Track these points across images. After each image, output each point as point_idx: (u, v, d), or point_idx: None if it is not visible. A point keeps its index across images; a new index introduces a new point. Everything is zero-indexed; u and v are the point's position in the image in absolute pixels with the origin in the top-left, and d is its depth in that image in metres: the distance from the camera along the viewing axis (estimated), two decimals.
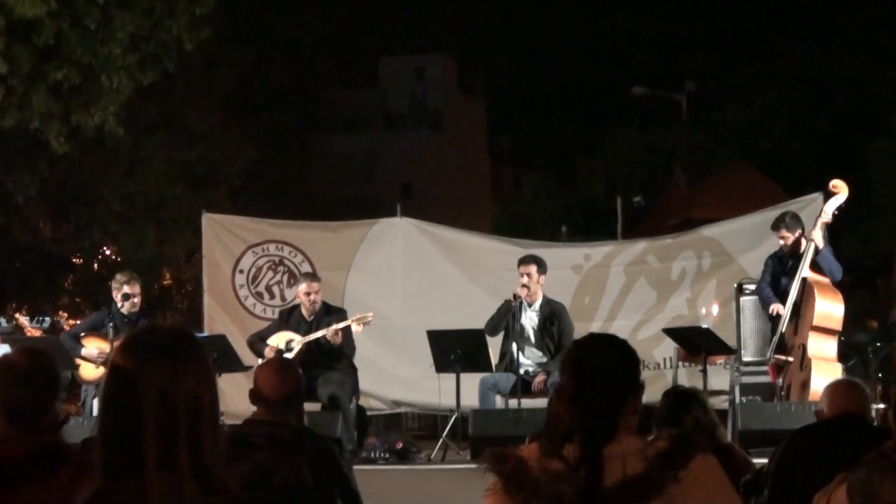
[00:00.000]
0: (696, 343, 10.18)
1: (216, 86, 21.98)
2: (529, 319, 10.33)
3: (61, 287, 21.12)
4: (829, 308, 9.37)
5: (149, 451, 2.30)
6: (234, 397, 8.76)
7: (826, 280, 9.49)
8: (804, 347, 9.32)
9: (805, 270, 9.47)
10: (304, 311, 10.30)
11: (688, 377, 11.07)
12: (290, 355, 9.69)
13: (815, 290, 9.34)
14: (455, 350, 10.07)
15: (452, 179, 44.90)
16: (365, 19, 30.43)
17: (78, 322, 15.27)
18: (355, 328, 10.11)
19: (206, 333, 11.63)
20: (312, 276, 10.76)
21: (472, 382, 10.15)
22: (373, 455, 9.67)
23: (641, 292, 12.34)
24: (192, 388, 2.37)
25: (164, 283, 22.39)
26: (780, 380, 9.50)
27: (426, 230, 12.97)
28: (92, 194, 19.20)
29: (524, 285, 10.22)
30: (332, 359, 10.06)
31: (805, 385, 9.16)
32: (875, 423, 5.36)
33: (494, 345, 10.29)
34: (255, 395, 4.69)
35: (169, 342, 2.41)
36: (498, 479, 2.83)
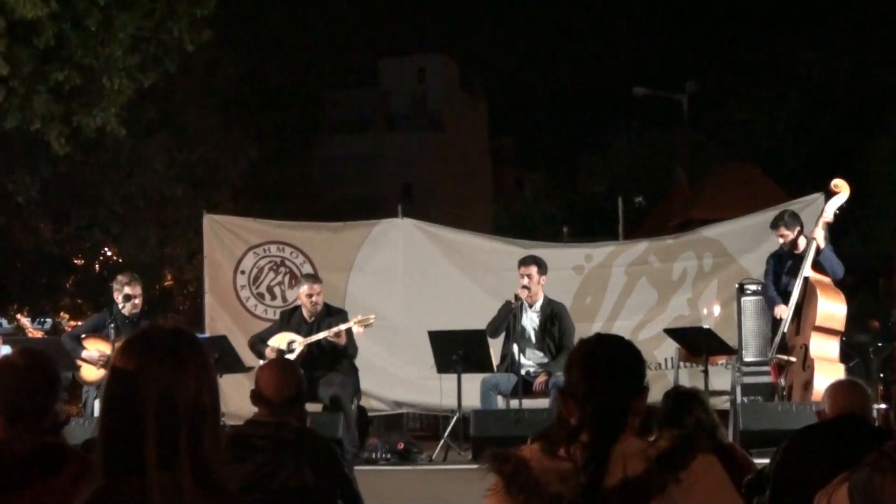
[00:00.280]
0: (698, 343, 10.18)
1: (217, 87, 22.00)
2: (530, 320, 10.32)
3: (62, 288, 21.15)
4: (832, 308, 9.37)
5: (150, 452, 2.30)
6: (235, 398, 8.77)
7: (828, 280, 9.49)
8: (806, 348, 9.32)
9: (807, 270, 9.46)
10: (305, 313, 10.29)
11: (689, 377, 11.06)
12: (291, 356, 9.69)
13: (818, 291, 9.33)
14: (456, 351, 10.07)
15: (453, 180, 44.94)
16: (366, 20, 30.49)
17: (79, 323, 15.30)
18: (356, 329, 10.11)
19: (207, 334, 11.63)
20: (314, 278, 10.75)
21: (473, 383, 10.15)
22: (374, 456, 9.68)
23: (643, 293, 12.35)
24: (193, 389, 2.37)
25: (166, 283, 22.42)
26: (782, 380, 9.50)
27: (427, 231, 12.98)
28: (93, 195, 19.22)
29: (525, 286, 10.22)
30: (334, 360, 10.06)
31: (808, 385, 9.15)
32: (876, 424, 5.36)
33: (495, 346, 10.29)
34: (256, 396, 4.69)
35: (170, 343, 2.41)
36: (499, 480, 2.83)
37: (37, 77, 13.67)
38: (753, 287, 10.85)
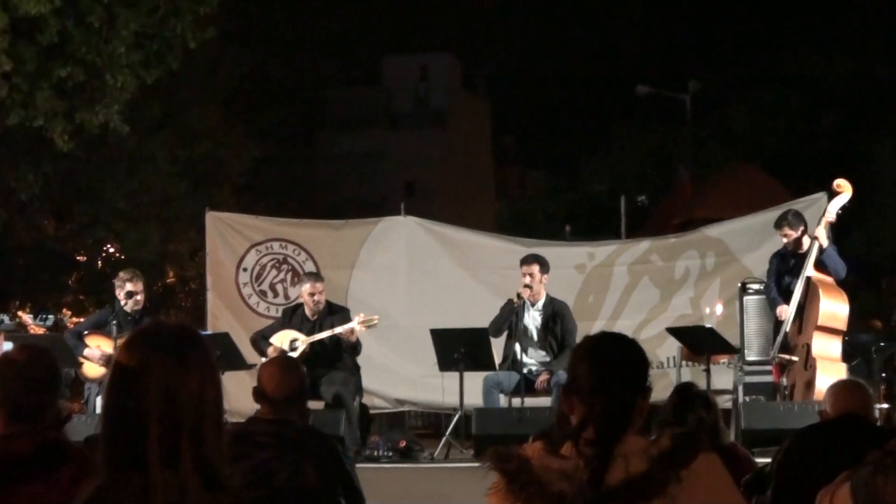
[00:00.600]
0: (700, 342, 10.18)
1: (220, 84, 22.01)
2: (532, 319, 10.32)
3: (65, 285, 21.15)
4: (834, 308, 9.36)
5: (152, 449, 2.30)
6: (238, 395, 8.76)
7: (830, 280, 9.48)
8: (808, 347, 9.32)
9: (809, 270, 9.46)
10: (307, 311, 10.30)
11: (691, 376, 11.04)
12: (294, 355, 9.69)
13: (820, 290, 9.33)
14: (458, 349, 10.07)
15: (456, 178, 44.91)
16: (369, 18, 30.44)
17: (81, 320, 15.30)
18: (359, 329, 10.11)
19: (209, 331, 11.63)
20: (316, 277, 10.75)
21: (475, 381, 10.15)
22: (376, 453, 9.67)
23: (645, 291, 12.34)
24: (195, 386, 2.37)
25: (168, 280, 22.42)
26: (784, 379, 9.50)
27: (430, 229, 12.97)
28: (96, 192, 19.23)
29: (527, 285, 10.21)
30: (336, 357, 10.07)
31: (810, 385, 9.15)
32: (878, 423, 5.36)
33: (498, 344, 10.29)
34: (258, 394, 4.69)
35: (173, 340, 2.41)
36: (501, 478, 2.83)
37: (40, 74, 13.67)
38: (756, 286, 10.84)
